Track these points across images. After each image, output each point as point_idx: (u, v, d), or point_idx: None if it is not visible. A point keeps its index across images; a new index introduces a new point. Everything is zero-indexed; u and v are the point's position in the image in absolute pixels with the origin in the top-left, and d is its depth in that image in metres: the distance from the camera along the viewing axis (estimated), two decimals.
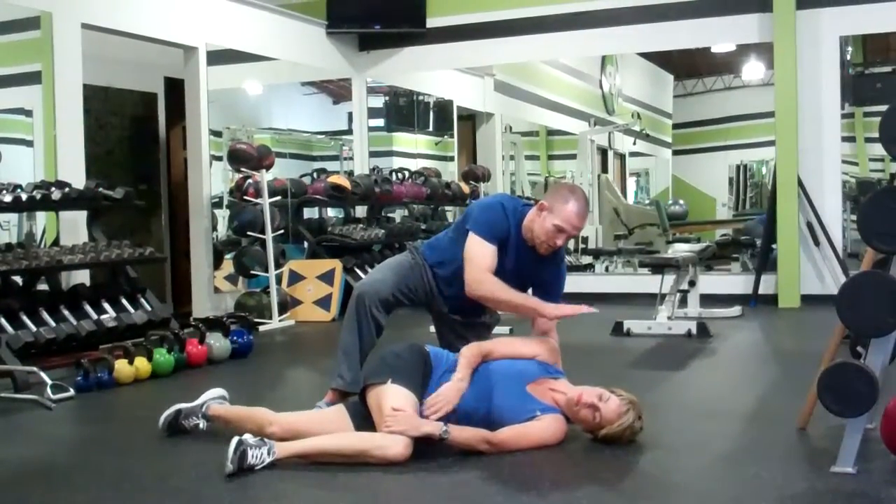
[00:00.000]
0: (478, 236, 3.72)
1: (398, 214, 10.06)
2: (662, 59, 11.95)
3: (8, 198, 5.52)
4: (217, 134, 8.28)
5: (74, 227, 6.34)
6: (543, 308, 3.62)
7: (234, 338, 5.80)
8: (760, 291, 8.21)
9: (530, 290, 3.93)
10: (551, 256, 3.81)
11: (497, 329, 4.73)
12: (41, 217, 6.69)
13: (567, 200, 3.66)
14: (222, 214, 8.35)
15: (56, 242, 6.19)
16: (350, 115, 9.98)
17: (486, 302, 3.81)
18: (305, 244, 8.55)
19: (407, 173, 9.66)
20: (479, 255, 3.69)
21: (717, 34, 8.81)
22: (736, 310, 7.53)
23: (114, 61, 7.90)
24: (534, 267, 3.82)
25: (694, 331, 6.32)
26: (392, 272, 4.00)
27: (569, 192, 3.75)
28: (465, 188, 9.87)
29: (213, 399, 3.75)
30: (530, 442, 3.31)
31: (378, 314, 3.89)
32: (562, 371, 3.57)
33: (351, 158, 9.95)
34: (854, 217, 8.22)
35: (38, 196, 5.66)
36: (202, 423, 3.70)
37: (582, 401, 3.32)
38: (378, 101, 10.55)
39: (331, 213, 9.46)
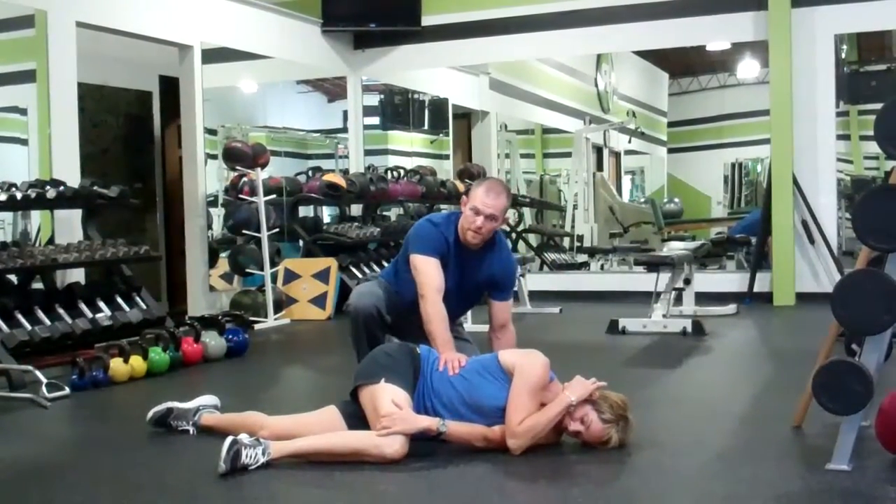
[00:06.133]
0: (420, 255, 3.94)
1: (393, 213, 10.05)
2: (657, 57, 11.94)
3: (2, 196, 5.50)
4: (212, 132, 8.27)
5: (69, 225, 6.32)
6: (444, 353, 3.57)
7: (230, 336, 5.78)
8: (755, 289, 8.22)
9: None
10: (495, 252, 4.04)
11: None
12: (36, 216, 6.68)
13: (479, 185, 3.97)
14: (217, 213, 8.34)
15: (51, 241, 6.17)
16: (345, 113, 9.96)
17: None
18: (301, 242, 8.54)
19: (402, 171, 9.64)
20: (427, 273, 3.90)
21: (712, 32, 8.80)
22: (731, 308, 7.54)
23: (108, 59, 7.88)
24: (480, 269, 4.03)
25: (689, 329, 6.32)
26: (385, 293, 4.14)
27: (482, 179, 4.15)
28: (461, 186, 9.84)
29: (206, 408, 3.75)
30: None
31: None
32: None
33: (346, 157, 9.94)
34: (849, 215, 8.23)
35: (33, 195, 5.64)
36: (192, 430, 3.68)
37: (565, 427, 3.29)
38: (373, 100, 10.54)
39: (326, 211, 9.45)
